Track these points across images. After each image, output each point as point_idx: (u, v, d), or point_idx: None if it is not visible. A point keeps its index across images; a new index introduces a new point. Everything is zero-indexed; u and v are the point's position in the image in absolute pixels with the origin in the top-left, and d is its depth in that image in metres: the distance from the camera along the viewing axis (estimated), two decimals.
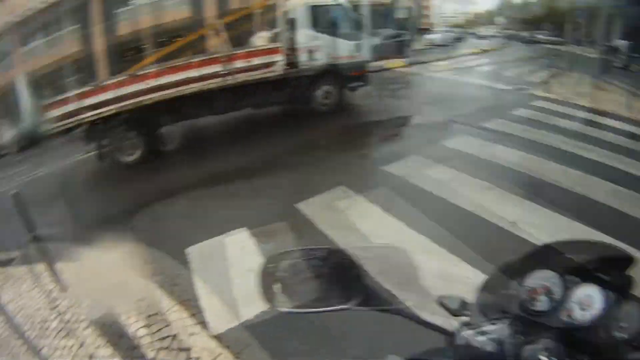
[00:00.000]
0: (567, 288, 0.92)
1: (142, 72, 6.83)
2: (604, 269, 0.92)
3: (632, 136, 7.40)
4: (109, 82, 6.73)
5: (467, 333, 0.78)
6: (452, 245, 3.48)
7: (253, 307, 2.81)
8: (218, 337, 2.64)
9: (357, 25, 8.92)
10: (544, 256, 0.97)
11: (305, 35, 8.04)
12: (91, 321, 1.90)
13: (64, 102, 6.62)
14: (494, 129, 7.29)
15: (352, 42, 8.63)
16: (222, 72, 7.17)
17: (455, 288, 2.83)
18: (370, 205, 4.42)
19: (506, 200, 4.48)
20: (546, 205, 4.29)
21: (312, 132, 7.75)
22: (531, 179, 5.09)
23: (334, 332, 2.56)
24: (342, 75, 8.63)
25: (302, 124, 8.26)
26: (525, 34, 41.83)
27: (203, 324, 2.79)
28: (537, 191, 4.70)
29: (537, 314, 0.91)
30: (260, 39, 7.70)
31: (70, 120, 6.63)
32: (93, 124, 6.77)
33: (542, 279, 0.94)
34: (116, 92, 6.68)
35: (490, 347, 0.77)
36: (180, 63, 7.02)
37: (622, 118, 8.84)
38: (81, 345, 2.72)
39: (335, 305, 0.84)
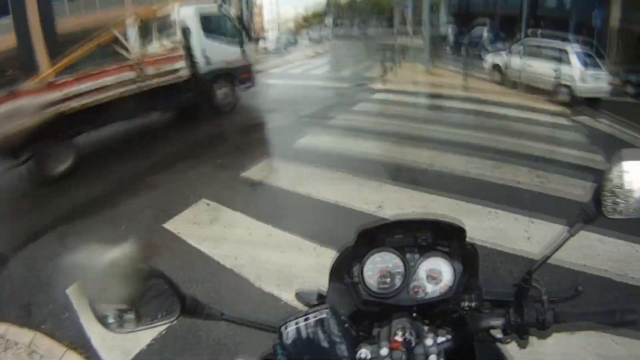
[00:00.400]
0: (410, 266, 0.93)
1: (60, 80, 6.52)
2: (443, 242, 0.94)
3: (473, 112, 8.67)
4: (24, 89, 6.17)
5: (290, 328, 0.74)
6: (323, 238, 3.76)
7: (143, 334, 2.81)
8: None
9: (239, 33, 9.86)
10: (378, 237, 0.96)
11: (199, 42, 8.68)
12: None
13: None
14: (341, 124, 7.92)
15: (236, 48, 9.61)
16: (136, 79, 7.34)
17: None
18: (236, 214, 4.55)
19: (367, 187, 4.86)
20: (407, 186, 4.77)
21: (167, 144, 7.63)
22: (386, 164, 5.58)
23: (225, 344, 2.76)
24: (235, 77, 9.62)
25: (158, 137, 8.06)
26: (355, 31, 44.37)
27: None
28: (394, 174, 5.20)
29: (384, 296, 0.91)
30: (160, 45, 8.37)
31: None
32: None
33: (381, 261, 0.94)
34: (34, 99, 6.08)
35: (315, 338, 0.74)
36: (96, 70, 6.96)
37: (458, 97, 10.37)
38: None
39: (161, 320, 0.82)
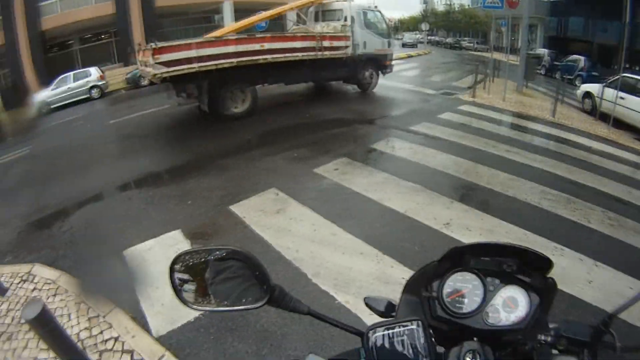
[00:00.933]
0: (489, 290, 0.93)
1: (258, 35, 8.76)
2: (525, 271, 0.93)
3: (556, 139, 8.13)
4: (230, 37, 8.29)
5: (378, 334, 0.75)
6: (387, 246, 3.67)
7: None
8: (160, 339, 2.68)
9: (386, 28, 12.18)
10: (464, 258, 0.97)
11: (359, 30, 10.82)
12: (30, 324, 1.88)
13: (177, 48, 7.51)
14: (422, 131, 7.69)
15: (384, 40, 11.83)
16: (315, 47, 9.56)
17: (391, 289, 3.11)
18: (305, 209, 4.53)
19: (438, 202, 4.67)
20: (477, 207, 4.55)
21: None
22: (460, 181, 5.37)
23: (272, 332, 2.71)
24: (379, 63, 11.85)
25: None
26: (449, 39, 43.68)
27: (144, 326, 2.82)
28: (467, 193, 4.99)
29: (459, 316, 0.91)
30: (331, 28, 10.75)
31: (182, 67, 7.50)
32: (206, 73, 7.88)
33: (462, 280, 0.95)
34: (235, 48, 8.12)
35: (401, 348, 0.75)
36: (288, 34, 9.70)
37: (546, 122, 9.75)
38: (24, 349, 2.66)
39: (246, 305, 0.84)
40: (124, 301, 3.06)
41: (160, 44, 7.25)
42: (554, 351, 0.80)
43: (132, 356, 2.55)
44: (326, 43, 9.76)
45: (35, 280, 3.55)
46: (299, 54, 9.19)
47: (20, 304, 3.26)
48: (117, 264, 3.62)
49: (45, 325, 1.82)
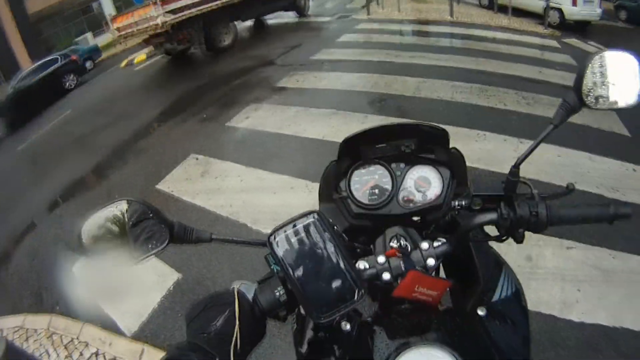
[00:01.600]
0: (396, 175, 0.92)
1: None
2: (427, 149, 0.93)
3: (459, 37, 8.40)
4: None
5: (279, 236, 0.70)
6: (314, 174, 3.66)
7: (150, 295, 2.91)
8: (135, 336, 2.72)
9: None
10: (361, 150, 0.95)
11: None
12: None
13: None
14: (324, 59, 7.66)
15: None
16: None
17: None
18: (227, 163, 4.52)
19: (353, 120, 4.78)
20: (393, 114, 4.68)
21: None
22: (371, 95, 5.45)
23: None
24: None
25: None
26: None
27: (117, 330, 2.82)
28: (380, 105, 5.10)
29: (374, 207, 0.91)
30: None
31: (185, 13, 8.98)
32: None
33: (366, 173, 0.95)
34: None
35: (306, 242, 0.70)
36: None
37: (446, 23, 9.99)
38: None
39: (152, 250, 0.78)
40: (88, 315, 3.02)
41: None
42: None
43: None
44: None
45: None
46: None
47: None
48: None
49: None
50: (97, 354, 2.67)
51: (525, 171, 0.73)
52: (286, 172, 3.99)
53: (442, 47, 7.74)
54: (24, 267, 3.94)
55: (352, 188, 0.94)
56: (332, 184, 0.97)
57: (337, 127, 4.69)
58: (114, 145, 6.05)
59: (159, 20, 8.53)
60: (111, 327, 2.85)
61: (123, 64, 13.19)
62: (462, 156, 0.92)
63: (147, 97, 8.44)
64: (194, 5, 9.06)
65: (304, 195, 3.55)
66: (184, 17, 8.91)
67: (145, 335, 2.69)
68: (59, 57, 13.01)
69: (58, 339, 2.94)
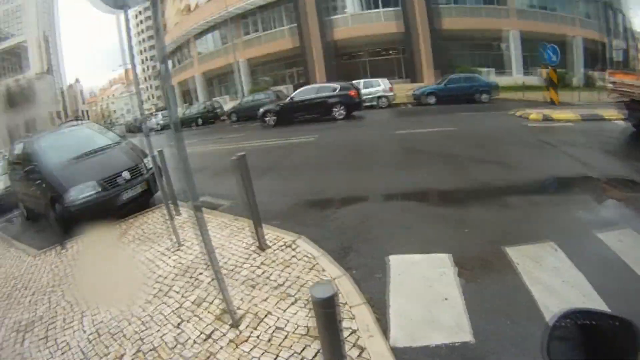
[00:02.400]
0: None
1: None
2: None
3: None
4: None
5: None
6: None
7: (438, 334, 2.65)
8: (394, 350, 2.56)
9: None
10: None
11: None
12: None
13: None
14: None
15: None
16: None
17: None
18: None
19: None
20: None
21: None
22: None
23: None
24: None
25: None
26: None
27: (385, 331, 2.75)
28: None
29: None
30: None
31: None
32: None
33: None
34: None
35: None
36: None
37: None
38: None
39: None
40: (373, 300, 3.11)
41: None
42: None
43: (360, 353, 2.50)
44: None
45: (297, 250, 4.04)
46: None
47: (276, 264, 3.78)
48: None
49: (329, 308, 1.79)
50: (354, 332, 2.70)
51: None
52: None
53: None
54: None
55: None
56: None
57: None
58: (482, 182, 5.99)
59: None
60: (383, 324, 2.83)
61: (516, 112, 13.21)
62: None
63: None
64: None
65: None
66: None
67: (401, 358, 2.52)
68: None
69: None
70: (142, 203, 6.46)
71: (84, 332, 3.37)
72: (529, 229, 4.46)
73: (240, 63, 29.62)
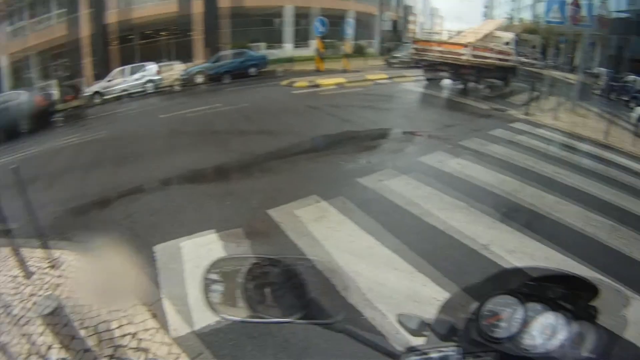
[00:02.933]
0: (529, 316, 0.89)
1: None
2: (569, 298, 0.90)
3: (608, 163, 7.51)
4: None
5: (416, 356, 0.73)
6: (422, 264, 3.41)
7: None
8: (177, 340, 2.59)
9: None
10: (507, 281, 0.95)
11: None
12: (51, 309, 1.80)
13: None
14: (472, 147, 7.27)
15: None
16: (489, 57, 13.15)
17: (422, 308, 2.86)
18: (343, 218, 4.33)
19: (480, 222, 4.37)
20: (519, 229, 4.22)
21: None
22: (505, 200, 5.00)
23: (294, 344, 2.54)
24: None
25: None
26: None
27: (164, 325, 2.75)
28: (511, 213, 4.63)
29: (495, 340, 0.87)
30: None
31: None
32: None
33: (503, 304, 0.91)
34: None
35: None
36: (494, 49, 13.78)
37: (599, 144, 9.08)
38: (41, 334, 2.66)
39: (277, 317, 0.81)
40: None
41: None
42: None
43: (146, 355, 2.47)
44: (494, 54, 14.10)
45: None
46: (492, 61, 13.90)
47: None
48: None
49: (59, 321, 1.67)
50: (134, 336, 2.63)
51: None
52: (397, 250, 3.66)
53: (587, 169, 6.82)
54: None
55: (481, 314, 0.89)
56: (462, 302, 0.95)
57: (462, 224, 4.25)
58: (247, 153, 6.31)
59: (464, 57, 11.86)
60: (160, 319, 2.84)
61: (284, 82, 14.37)
62: (596, 316, 0.88)
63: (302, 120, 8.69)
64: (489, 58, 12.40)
65: (404, 282, 3.17)
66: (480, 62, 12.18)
67: (185, 346, 2.60)
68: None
69: None
70: None
71: None
72: (293, 188, 5.06)
73: None
